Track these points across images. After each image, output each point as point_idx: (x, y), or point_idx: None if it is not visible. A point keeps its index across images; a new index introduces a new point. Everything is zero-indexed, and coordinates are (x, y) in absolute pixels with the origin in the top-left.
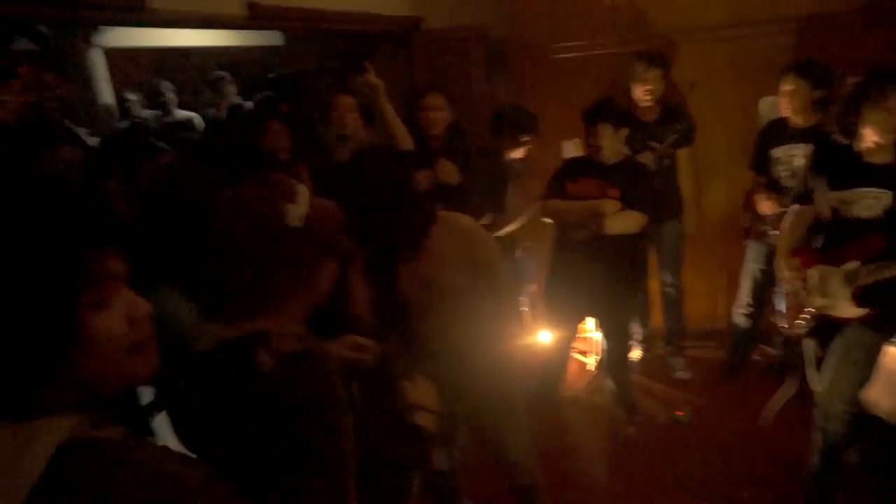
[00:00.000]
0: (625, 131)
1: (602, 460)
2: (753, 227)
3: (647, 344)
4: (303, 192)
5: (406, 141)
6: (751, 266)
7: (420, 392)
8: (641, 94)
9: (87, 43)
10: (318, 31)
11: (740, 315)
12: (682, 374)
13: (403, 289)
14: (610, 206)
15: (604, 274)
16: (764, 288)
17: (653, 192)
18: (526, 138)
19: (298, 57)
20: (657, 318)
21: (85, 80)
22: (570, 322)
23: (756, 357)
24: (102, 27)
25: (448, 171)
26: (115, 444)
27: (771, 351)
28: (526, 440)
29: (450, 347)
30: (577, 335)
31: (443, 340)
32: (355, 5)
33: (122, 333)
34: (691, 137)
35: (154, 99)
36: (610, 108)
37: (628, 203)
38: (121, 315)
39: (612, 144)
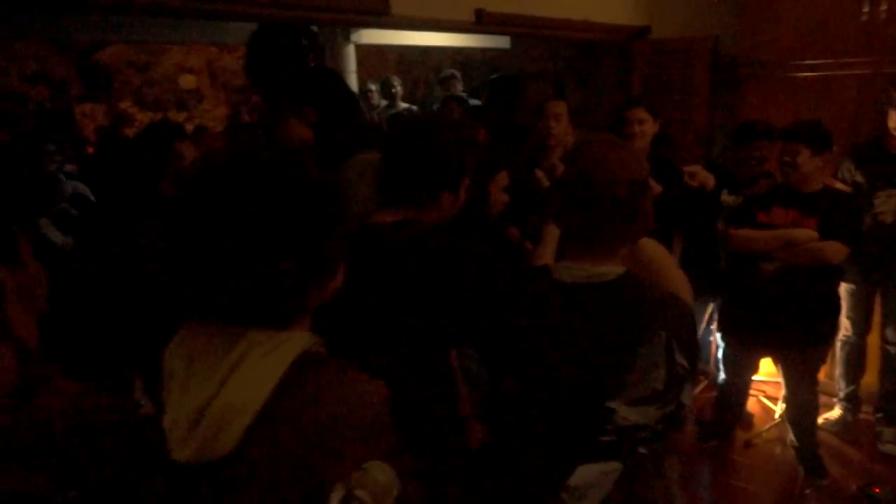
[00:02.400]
0: (825, 159)
1: None
2: None
3: (851, 405)
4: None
5: None
6: None
7: None
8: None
9: (346, 40)
10: (541, 36)
11: None
12: (891, 448)
13: None
14: (804, 235)
15: (792, 309)
16: None
17: (858, 224)
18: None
19: (523, 59)
20: (871, 377)
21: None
22: (750, 359)
23: None
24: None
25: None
26: (339, 362)
27: None
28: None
29: None
30: (756, 373)
31: None
32: (579, 13)
33: None
34: None
35: (386, 91)
36: (813, 130)
37: (826, 233)
38: None
39: (809, 169)
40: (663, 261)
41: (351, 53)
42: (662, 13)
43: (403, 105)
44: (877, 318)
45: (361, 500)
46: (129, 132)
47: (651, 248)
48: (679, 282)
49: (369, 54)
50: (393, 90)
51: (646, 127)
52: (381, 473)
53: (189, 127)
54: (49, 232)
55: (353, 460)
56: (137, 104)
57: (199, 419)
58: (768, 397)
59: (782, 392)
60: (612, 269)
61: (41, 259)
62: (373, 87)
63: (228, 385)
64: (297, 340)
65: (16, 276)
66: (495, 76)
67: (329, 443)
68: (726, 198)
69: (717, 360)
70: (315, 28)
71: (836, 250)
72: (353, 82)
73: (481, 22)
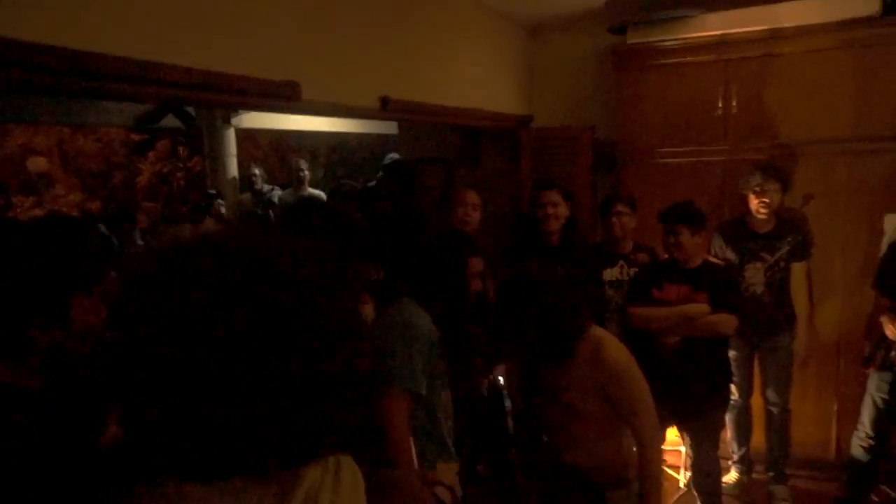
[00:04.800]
0: (703, 236)
1: None
2: (877, 355)
3: (745, 466)
4: None
5: None
6: (873, 396)
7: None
8: (758, 205)
9: (226, 123)
10: (437, 122)
11: (860, 448)
12: None
13: (540, 401)
14: (700, 308)
15: (692, 380)
16: (887, 420)
17: (740, 295)
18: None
19: (411, 145)
20: (759, 438)
21: (215, 156)
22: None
23: (874, 498)
24: (241, 111)
25: None
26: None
27: (891, 494)
28: None
29: (574, 465)
30: (663, 443)
31: (571, 457)
32: (472, 102)
33: None
34: (806, 251)
35: (294, 175)
36: (688, 211)
37: (717, 306)
38: None
39: (690, 246)
40: (626, 365)
41: (231, 137)
42: (544, 104)
43: (310, 190)
44: (757, 381)
45: None
46: None
47: (614, 350)
48: (641, 388)
49: (243, 139)
50: (301, 174)
51: (560, 209)
52: None
53: (39, 213)
54: None
55: None
56: None
57: None
58: (670, 466)
59: (684, 460)
60: None
61: None
62: (256, 171)
63: None
64: (348, 461)
65: None
66: (390, 161)
67: None
68: (608, 274)
69: None
70: (192, 111)
71: (728, 322)
72: (233, 166)
73: (386, 108)
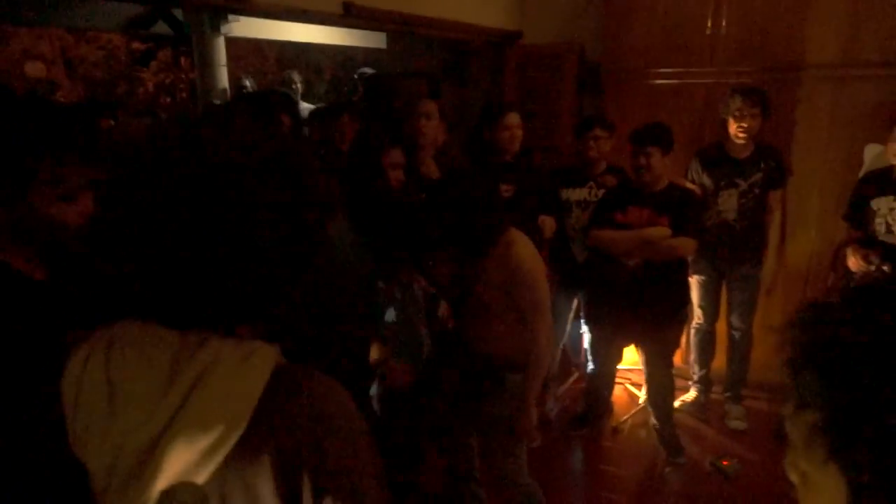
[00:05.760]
0: (670, 159)
1: (633, 496)
2: (836, 285)
3: (703, 386)
4: None
5: None
6: None
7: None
8: (736, 130)
9: (215, 31)
10: (414, 35)
11: None
12: (737, 424)
13: (459, 293)
14: (659, 232)
15: (650, 301)
16: None
17: (702, 219)
18: (601, 132)
19: (400, 59)
20: (720, 360)
21: (205, 65)
22: (615, 348)
23: None
24: (230, 17)
25: (549, 227)
26: (322, 376)
27: None
28: (522, 467)
29: (482, 353)
30: (621, 361)
31: (480, 346)
32: (453, 14)
33: None
34: (782, 180)
35: (287, 87)
36: (661, 133)
37: (678, 229)
38: None
39: (660, 168)
40: (530, 266)
41: (220, 46)
42: (532, 19)
43: (304, 105)
44: (724, 306)
45: None
46: None
47: (522, 251)
48: (541, 289)
49: (247, 50)
50: (294, 86)
51: (520, 133)
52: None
53: None
54: None
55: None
56: None
57: (147, 459)
58: (634, 384)
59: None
60: None
61: None
62: (247, 82)
63: (189, 410)
64: (268, 350)
65: None
66: (370, 74)
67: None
68: (567, 194)
69: (585, 352)
70: (181, 17)
71: (687, 246)
72: (223, 76)
73: (350, 15)
